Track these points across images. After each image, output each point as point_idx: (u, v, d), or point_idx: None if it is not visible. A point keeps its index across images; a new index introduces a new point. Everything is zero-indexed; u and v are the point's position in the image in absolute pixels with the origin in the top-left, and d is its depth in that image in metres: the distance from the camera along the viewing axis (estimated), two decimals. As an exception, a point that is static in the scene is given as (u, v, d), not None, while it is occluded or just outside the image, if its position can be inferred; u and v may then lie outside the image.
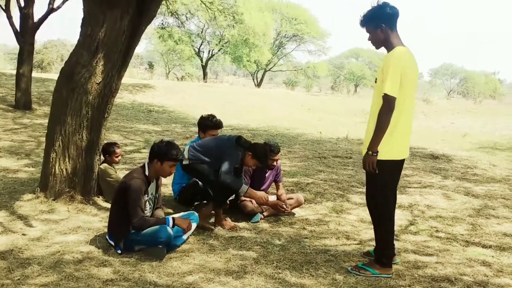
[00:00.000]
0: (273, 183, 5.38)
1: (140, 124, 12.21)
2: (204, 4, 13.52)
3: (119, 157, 5.29)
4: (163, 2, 13.30)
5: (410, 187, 6.62)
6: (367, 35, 3.64)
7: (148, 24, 5.42)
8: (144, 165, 3.93)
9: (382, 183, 3.56)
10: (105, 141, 5.42)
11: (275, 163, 5.10)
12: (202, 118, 5.27)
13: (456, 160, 9.05)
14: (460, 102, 39.79)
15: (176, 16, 13.98)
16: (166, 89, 20.30)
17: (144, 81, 22.57)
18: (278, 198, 5.21)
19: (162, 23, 14.65)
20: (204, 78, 41.66)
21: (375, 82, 3.61)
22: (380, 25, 3.49)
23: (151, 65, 51.45)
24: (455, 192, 6.41)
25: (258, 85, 44.84)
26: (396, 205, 5.71)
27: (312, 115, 18.19)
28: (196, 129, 6.82)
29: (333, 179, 6.93)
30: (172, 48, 39.13)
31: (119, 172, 6.11)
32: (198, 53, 41.98)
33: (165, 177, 4.12)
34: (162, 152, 3.84)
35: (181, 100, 18.56)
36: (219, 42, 39.34)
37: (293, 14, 46.39)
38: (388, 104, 3.37)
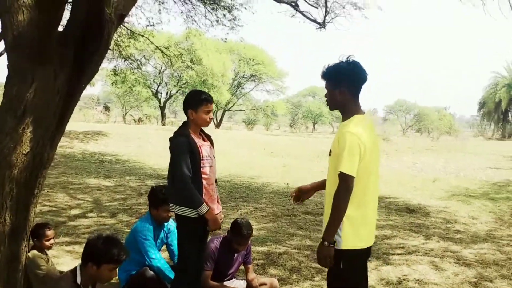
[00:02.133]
0: (242, 265, 4.54)
1: (90, 178, 11.15)
2: (160, 49, 12.83)
3: (51, 241, 4.31)
4: (115, 47, 12.53)
5: (393, 254, 5.92)
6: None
7: (90, 80, 4.59)
8: (75, 270, 3.02)
9: (346, 278, 2.94)
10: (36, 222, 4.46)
11: (246, 245, 4.29)
12: (153, 190, 4.38)
13: (433, 213, 8.48)
14: (418, 139, 40.31)
15: (130, 61, 13.19)
16: (120, 136, 19.28)
17: (97, 128, 21.42)
18: (249, 284, 4.38)
19: (115, 68, 13.78)
20: (162, 119, 40.78)
21: (329, 154, 3.04)
22: (341, 86, 2.98)
23: (107, 108, 50.27)
24: (444, 259, 5.74)
25: (218, 125, 44.29)
26: (384, 282, 5.02)
27: (275, 160, 17.51)
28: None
29: (308, 246, 6.15)
30: (129, 90, 38.20)
31: (57, 256, 5.15)
32: (155, 95, 41.25)
33: (103, 283, 3.17)
34: (98, 252, 2.94)
35: (137, 148, 17.56)
36: (177, 83, 38.79)
37: (250, 55, 46.74)
38: (345, 184, 2.83)
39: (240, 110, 53.50)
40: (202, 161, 3.61)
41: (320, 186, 3.38)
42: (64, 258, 5.25)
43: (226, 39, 12.07)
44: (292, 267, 5.29)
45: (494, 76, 51.00)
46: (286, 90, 53.71)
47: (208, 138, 3.89)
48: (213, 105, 3.83)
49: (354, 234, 2.91)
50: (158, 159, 15.03)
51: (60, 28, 4.40)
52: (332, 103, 3.08)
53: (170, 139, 3.69)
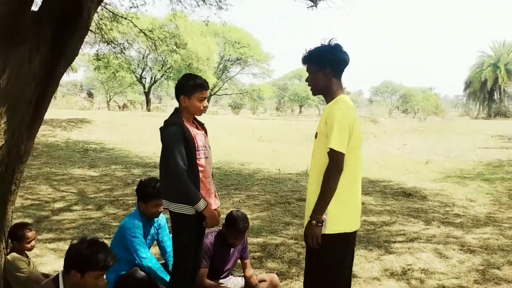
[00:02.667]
0: (239, 260, 4.25)
1: (74, 168, 10.75)
2: (143, 32, 12.34)
3: (33, 242, 3.95)
4: (97, 31, 12.01)
5: (395, 242, 5.67)
6: (306, 73, 3.06)
7: (69, 64, 4.20)
8: (57, 278, 2.68)
9: (328, 264, 2.87)
10: (15, 221, 4.10)
11: (242, 240, 4.00)
12: (141, 184, 4.02)
13: (430, 197, 8.27)
14: (405, 120, 40.26)
15: (113, 45, 12.68)
16: (105, 123, 18.79)
17: (79, 115, 20.85)
18: (247, 281, 4.09)
19: (97, 53, 13.26)
20: (147, 105, 40.14)
21: (315, 137, 2.97)
22: (325, 67, 2.94)
23: (90, 94, 49.36)
24: (447, 246, 5.51)
25: (204, 110, 43.62)
26: (388, 273, 4.78)
27: (265, 145, 17.22)
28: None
29: (305, 235, 5.88)
30: (112, 76, 37.42)
31: (39, 255, 4.82)
32: (140, 80, 40.53)
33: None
34: (82, 259, 2.59)
35: (122, 135, 17.10)
36: (162, 68, 38.12)
37: (235, 37, 46.21)
38: (336, 162, 2.75)
39: (226, 94, 53.05)
40: (197, 152, 3.28)
41: None
42: (48, 257, 4.91)
43: (208, 21, 11.62)
44: (290, 260, 5.02)
45: (480, 55, 51.11)
46: (272, 73, 53.36)
47: (201, 126, 3.56)
48: (208, 92, 3.48)
49: (342, 217, 2.84)
50: (144, 146, 14.64)
51: (36, 7, 4.02)
52: (316, 86, 3.02)
53: (161, 129, 3.33)
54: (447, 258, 5.13)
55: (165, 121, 3.36)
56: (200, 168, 3.28)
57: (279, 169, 10.76)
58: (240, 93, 51.21)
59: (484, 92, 50.33)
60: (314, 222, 2.76)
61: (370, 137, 22.78)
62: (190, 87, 3.31)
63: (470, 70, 52.33)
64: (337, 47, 2.96)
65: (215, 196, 3.52)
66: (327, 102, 2.98)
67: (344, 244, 2.93)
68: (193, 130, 3.35)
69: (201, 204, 3.18)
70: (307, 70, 3.04)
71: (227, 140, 17.83)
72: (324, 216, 2.78)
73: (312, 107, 72.68)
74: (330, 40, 2.98)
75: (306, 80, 3.08)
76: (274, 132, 22.62)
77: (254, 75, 50.80)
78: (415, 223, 6.59)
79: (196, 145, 3.27)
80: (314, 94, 3.09)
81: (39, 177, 9.49)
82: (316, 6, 8.36)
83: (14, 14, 3.45)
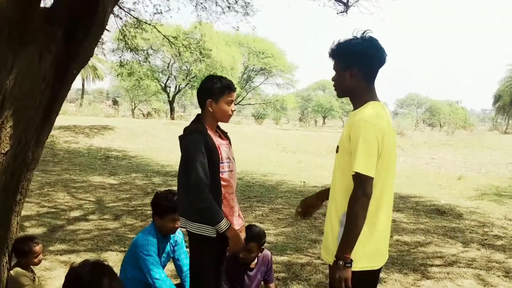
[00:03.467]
0: (262, 283, 3.86)
1: (94, 175, 10.53)
2: (167, 39, 12.14)
3: (40, 256, 3.64)
4: (121, 37, 11.87)
5: (432, 265, 5.19)
6: (333, 71, 2.53)
7: (82, 66, 3.91)
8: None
9: None
10: (20, 234, 3.80)
11: (252, 254, 3.63)
12: (157, 197, 3.67)
13: (466, 215, 7.74)
14: (433, 133, 39.36)
15: (136, 52, 12.52)
16: (127, 131, 18.64)
17: (103, 123, 20.80)
18: (272, 306, 3.70)
19: (120, 60, 13.13)
20: (171, 113, 40.20)
21: (336, 151, 2.50)
22: (353, 67, 2.41)
23: (115, 102, 49.88)
24: (490, 273, 5.01)
25: (227, 119, 43.49)
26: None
27: (288, 156, 16.80)
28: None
29: (333, 255, 5.45)
30: (137, 84, 37.63)
31: (49, 268, 4.52)
32: (164, 89, 40.68)
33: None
34: (83, 286, 2.23)
35: (144, 143, 16.92)
36: (186, 77, 38.18)
37: (260, 48, 46.06)
38: (362, 188, 2.26)
39: (249, 104, 52.84)
40: (221, 165, 2.91)
41: (328, 195, 2.67)
42: (58, 271, 4.59)
43: (238, 27, 11.35)
44: (318, 283, 4.60)
45: (509, 68, 49.79)
46: (296, 83, 52.97)
47: (225, 135, 3.20)
48: (235, 94, 3.11)
49: (369, 251, 2.38)
50: (166, 154, 14.41)
51: (48, 4, 3.75)
52: (341, 88, 2.51)
53: (181, 137, 2.97)
54: (492, 286, 4.63)
55: (186, 129, 3.00)
56: (223, 183, 2.91)
57: (303, 182, 10.34)
58: (264, 103, 50.95)
59: (514, 106, 49.00)
60: (341, 263, 2.29)
61: (397, 151, 22.13)
62: (217, 89, 2.94)
63: (499, 84, 51.02)
64: (371, 42, 2.42)
65: (238, 215, 3.16)
66: (354, 107, 2.48)
67: (371, 282, 2.50)
68: (217, 140, 2.98)
69: (223, 225, 2.81)
70: (333, 67, 2.53)
71: (250, 150, 17.48)
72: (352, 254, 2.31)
73: (336, 118, 71.96)
74: (363, 32, 2.44)
75: (333, 79, 2.54)
76: (298, 143, 22.20)
77: (278, 86, 50.48)
78: (452, 244, 6.09)
79: (220, 156, 2.91)
80: (340, 96, 2.56)
81: (58, 183, 9.29)
82: (347, 11, 8.01)
83: (23, 10, 3.17)
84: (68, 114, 31.52)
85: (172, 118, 36.99)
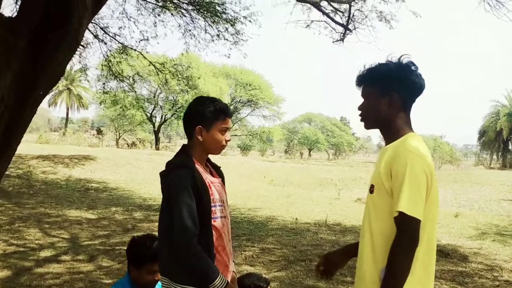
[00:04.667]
0: None
1: (71, 209, 9.82)
2: (154, 66, 11.68)
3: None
4: (105, 63, 11.37)
5: (446, 318, 4.62)
6: (357, 100, 2.23)
7: (52, 86, 3.35)
8: None
9: None
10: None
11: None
12: (133, 243, 3.06)
13: (471, 257, 7.21)
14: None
15: (121, 79, 12.01)
16: (109, 161, 17.96)
17: (85, 152, 20.08)
18: None
19: (103, 86, 12.60)
20: (156, 144, 39.57)
21: (370, 191, 2.10)
22: (392, 93, 2.10)
23: (99, 131, 49.14)
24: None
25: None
26: None
27: (277, 189, 16.21)
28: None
29: (334, 305, 4.85)
30: (122, 113, 37.06)
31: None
32: (150, 118, 40.16)
33: None
34: None
35: (126, 174, 16.22)
36: (172, 107, 37.74)
37: (247, 80, 46.09)
38: (408, 233, 1.89)
39: (235, 135, 52.50)
40: (213, 209, 2.34)
41: (357, 251, 2.22)
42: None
43: (229, 54, 10.96)
44: None
45: (494, 105, 50.38)
46: (283, 115, 52.91)
47: (217, 171, 2.63)
48: (231, 120, 2.54)
49: None
50: (149, 186, 13.76)
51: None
52: (374, 117, 2.17)
53: (163, 174, 2.39)
54: None
55: (169, 163, 2.41)
56: (214, 234, 2.33)
57: (296, 218, 9.74)
58: (250, 135, 50.67)
59: (499, 141, 49.26)
60: None
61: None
62: (210, 113, 2.39)
63: (484, 120, 51.46)
64: (411, 67, 2.11)
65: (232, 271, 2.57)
66: (388, 141, 2.14)
67: None
68: (208, 177, 2.42)
69: (218, 284, 2.21)
70: (363, 95, 2.20)
71: (237, 182, 16.88)
72: None
73: (322, 151, 71.87)
74: (401, 57, 2.12)
75: (360, 108, 2.22)
76: (286, 175, 21.66)
77: (265, 117, 50.33)
78: (463, 292, 5.53)
79: (212, 198, 2.34)
80: (369, 127, 2.22)
81: (31, 218, 8.57)
82: (343, 40, 7.64)
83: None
84: (50, 143, 30.73)
85: (157, 149, 36.36)
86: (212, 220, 2.32)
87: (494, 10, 7.50)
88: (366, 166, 32.06)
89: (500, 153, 51.07)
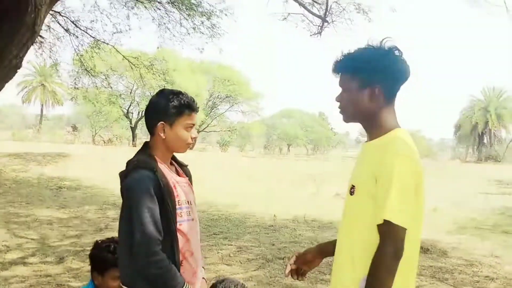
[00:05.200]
0: None
1: (42, 208, 9.50)
2: (128, 60, 11.36)
3: None
4: (76, 58, 10.99)
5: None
6: (335, 96, 1.98)
7: (7, 80, 3.10)
8: None
9: None
10: None
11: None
12: (97, 246, 2.85)
13: (450, 252, 7.18)
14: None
15: (94, 74, 11.64)
16: (84, 158, 17.56)
17: (60, 149, 19.58)
18: None
19: (75, 82, 12.22)
20: (133, 140, 38.99)
21: (350, 193, 1.88)
22: (373, 84, 1.85)
23: (75, 128, 48.27)
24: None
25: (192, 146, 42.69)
26: None
27: (256, 185, 16.04)
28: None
29: (313, 305, 4.70)
30: (99, 109, 36.40)
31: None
32: (126, 115, 39.56)
33: None
34: None
35: (102, 171, 15.78)
36: (149, 103, 37.24)
37: (225, 75, 45.73)
38: (394, 243, 1.69)
39: (214, 131, 52.19)
40: (178, 211, 2.14)
41: (331, 250, 2.04)
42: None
43: (203, 48, 10.68)
44: None
45: (470, 99, 51.18)
46: (262, 111, 52.75)
47: (184, 170, 2.41)
48: (197, 116, 2.34)
49: None
50: (125, 184, 13.43)
51: None
52: (355, 110, 1.93)
53: (122, 175, 2.19)
54: None
55: (129, 162, 2.21)
56: (181, 238, 2.14)
57: (274, 215, 9.58)
58: (229, 130, 50.44)
59: (474, 135, 50.07)
60: None
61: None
62: (173, 108, 2.17)
63: (460, 114, 52.24)
64: (394, 52, 1.87)
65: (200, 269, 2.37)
66: (371, 136, 1.93)
67: None
68: (172, 177, 2.22)
69: None
70: (341, 84, 1.96)
71: (215, 179, 16.64)
72: None
73: (301, 146, 72.04)
74: (382, 41, 1.88)
75: (338, 100, 1.98)
76: (265, 171, 21.49)
77: (243, 113, 50.15)
78: (442, 288, 5.45)
79: (177, 200, 2.14)
80: (348, 120, 1.98)
81: (-2, 219, 8.23)
82: (321, 33, 7.49)
83: None
84: (24, 141, 30.00)
85: (134, 145, 35.81)
86: (178, 224, 2.12)
87: (474, 2, 7.42)
88: (344, 161, 32.13)
89: (475, 147, 51.87)
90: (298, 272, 2.21)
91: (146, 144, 2.28)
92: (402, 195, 1.69)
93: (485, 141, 51.16)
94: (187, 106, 2.19)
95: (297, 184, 17.28)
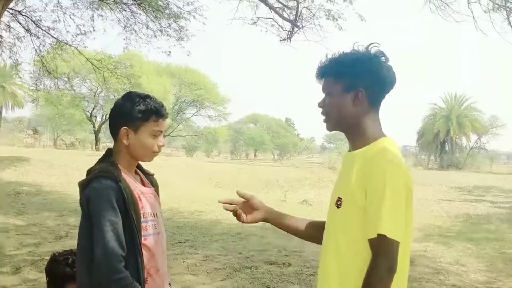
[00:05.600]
0: None
1: (-3, 215, 9.05)
2: (91, 62, 11.02)
3: None
4: (37, 59, 10.59)
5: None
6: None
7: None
8: None
9: None
10: None
11: None
12: (54, 260, 2.64)
13: (417, 260, 7.18)
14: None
15: (56, 76, 11.25)
16: (44, 163, 16.95)
17: (19, 153, 18.90)
18: None
19: (36, 84, 11.78)
20: (96, 144, 38.13)
21: (337, 205, 1.77)
22: (357, 88, 1.78)
23: (35, 131, 46.88)
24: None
25: (156, 151, 42.05)
26: None
27: (222, 191, 15.86)
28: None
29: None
30: (61, 112, 35.45)
31: None
32: (90, 118, 38.69)
33: None
34: None
35: (63, 177, 15.33)
36: (114, 106, 36.54)
37: (192, 79, 45.40)
38: (389, 257, 1.61)
39: (180, 136, 51.69)
40: (143, 225, 1.98)
41: (277, 222, 2.15)
42: None
43: (170, 52, 10.46)
44: None
45: (432, 107, 52.41)
46: (228, 116, 52.53)
47: (149, 179, 2.25)
48: (166, 122, 2.18)
49: None
50: (87, 190, 13.01)
51: None
52: (339, 114, 1.84)
53: (82, 185, 2.01)
54: None
55: (90, 171, 2.04)
56: (146, 254, 1.98)
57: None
58: (195, 135, 50.07)
59: (436, 143, 51.24)
60: None
61: (330, 185, 21.92)
62: (138, 112, 2.01)
63: (422, 121, 53.41)
64: (380, 58, 1.80)
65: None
66: (354, 145, 1.84)
67: None
68: (137, 187, 2.05)
69: None
70: (324, 88, 1.87)
71: (181, 185, 16.37)
72: None
73: (267, 152, 72.19)
74: (369, 46, 1.81)
75: (320, 106, 1.89)
76: (232, 177, 21.33)
77: (210, 118, 49.85)
78: (411, 297, 5.43)
79: (142, 212, 1.98)
80: (332, 128, 1.88)
81: (-51, 227, 7.79)
82: (290, 38, 7.42)
83: None
84: (-19, 144, 28.91)
85: (97, 149, 34.99)
86: (143, 238, 1.96)
87: (440, 11, 7.53)
88: (310, 167, 32.33)
89: (438, 154, 53.10)
90: (240, 216, 2.18)
91: (109, 151, 2.11)
92: (395, 208, 1.62)
93: (447, 148, 52.45)
94: (155, 112, 2.03)
95: (264, 191, 17.21)
